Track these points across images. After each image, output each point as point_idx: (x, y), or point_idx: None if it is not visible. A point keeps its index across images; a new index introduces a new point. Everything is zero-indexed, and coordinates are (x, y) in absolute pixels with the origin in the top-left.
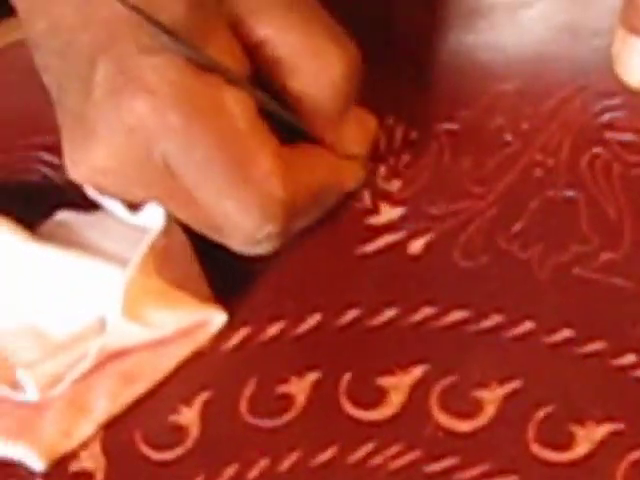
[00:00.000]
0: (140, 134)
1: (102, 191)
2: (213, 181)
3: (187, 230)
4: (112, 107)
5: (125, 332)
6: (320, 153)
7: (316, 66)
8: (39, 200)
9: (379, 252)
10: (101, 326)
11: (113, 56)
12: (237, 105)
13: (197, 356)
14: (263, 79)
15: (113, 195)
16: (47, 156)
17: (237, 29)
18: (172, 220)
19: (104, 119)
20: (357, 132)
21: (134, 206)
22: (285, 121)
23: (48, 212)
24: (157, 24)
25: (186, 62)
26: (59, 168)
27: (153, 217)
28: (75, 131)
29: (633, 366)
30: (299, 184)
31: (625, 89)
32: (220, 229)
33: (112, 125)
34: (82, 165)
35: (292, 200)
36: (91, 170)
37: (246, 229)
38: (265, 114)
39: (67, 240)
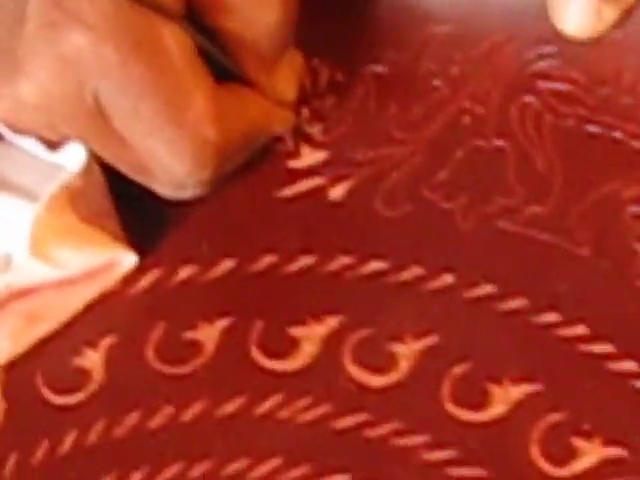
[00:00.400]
0: (73, 68)
1: (25, 128)
2: (145, 121)
3: (105, 168)
4: (45, 40)
5: (31, 270)
6: (252, 96)
7: (252, 7)
8: None
9: (299, 197)
10: (6, 263)
11: None
12: (175, 42)
13: (104, 298)
14: (197, 17)
15: (36, 132)
16: None
17: None
18: (92, 160)
19: (36, 53)
20: (290, 77)
21: (54, 144)
22: (217, 62)
23: None
24: None
25: None
26: None
27: (73, 156)
28: (1, 65)
29: (555, 325)
30: (231, 128)
31: (559, 37)
32: (148, 172)
33: (44, 59)
34: (7, 99)
35: (224, 145)
36: (16, 105)
37: (176, 174)
38: (199, 54)
39: None
